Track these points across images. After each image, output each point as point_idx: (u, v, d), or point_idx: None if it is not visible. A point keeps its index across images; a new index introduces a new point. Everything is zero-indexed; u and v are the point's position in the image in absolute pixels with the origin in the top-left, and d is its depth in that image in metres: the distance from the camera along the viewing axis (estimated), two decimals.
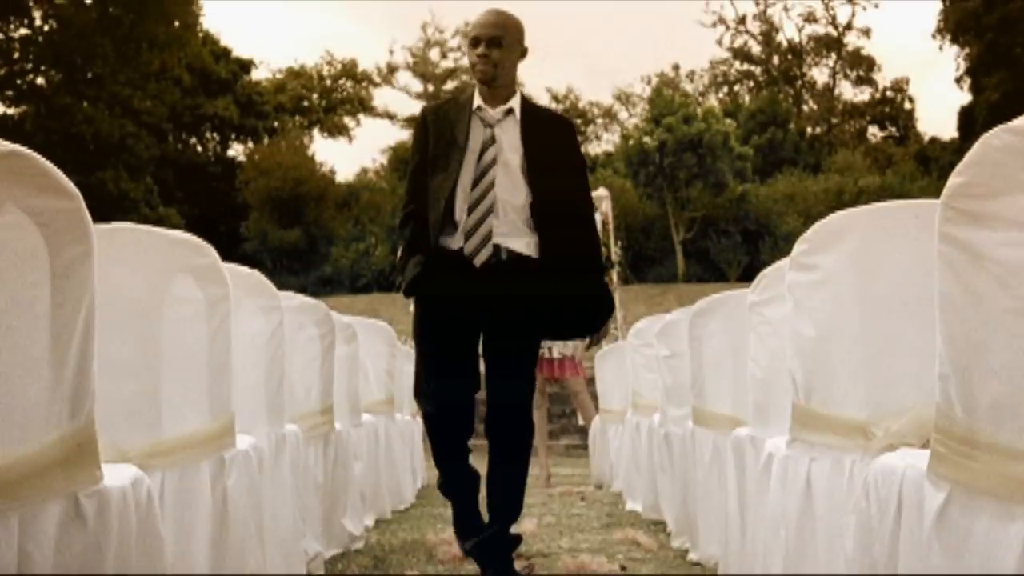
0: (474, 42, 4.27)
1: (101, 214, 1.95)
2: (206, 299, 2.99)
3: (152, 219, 35.27)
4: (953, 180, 1.82)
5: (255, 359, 3.80)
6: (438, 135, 4.35)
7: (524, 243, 4.26)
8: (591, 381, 10.25)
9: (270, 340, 3.86)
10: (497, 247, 4.22)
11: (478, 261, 4.19)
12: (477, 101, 4.35)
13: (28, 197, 1.81)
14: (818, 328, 2.91)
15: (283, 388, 3.98)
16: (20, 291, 1.80)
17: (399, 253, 4.51)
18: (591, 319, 4.48)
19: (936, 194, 1.88)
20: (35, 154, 1.84)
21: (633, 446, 7.36)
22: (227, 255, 3.30)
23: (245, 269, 3.84)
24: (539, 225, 4.26)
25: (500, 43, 4.24)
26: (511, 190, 4.24)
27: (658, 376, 5.82)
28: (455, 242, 4.24)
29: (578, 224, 4.35)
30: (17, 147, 1.81)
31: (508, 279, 4.21)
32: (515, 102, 4.37)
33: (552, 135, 4.38)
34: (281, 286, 4.26)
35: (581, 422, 11.53)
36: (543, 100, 56.66)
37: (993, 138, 1.76)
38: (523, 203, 4.25)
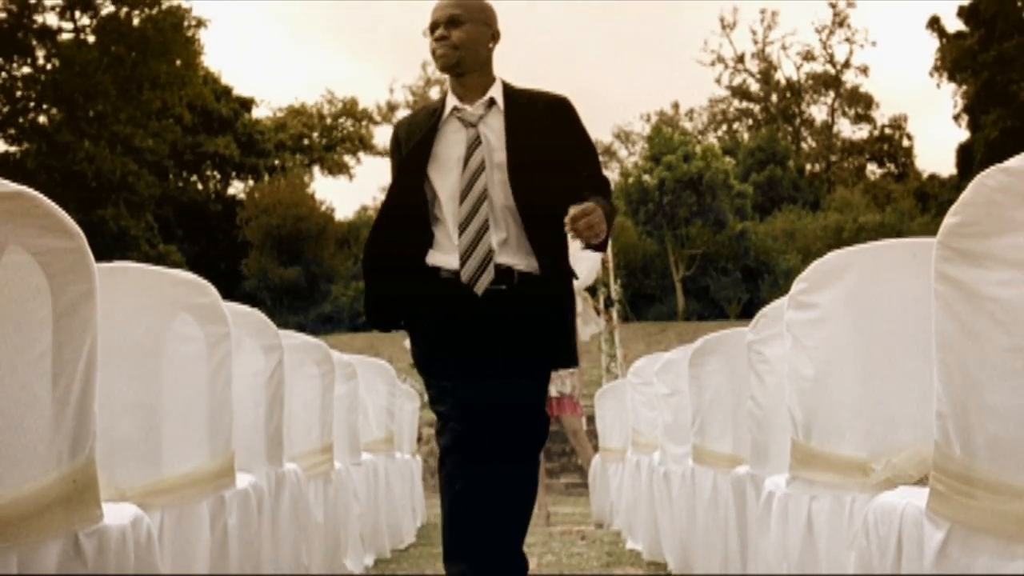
0: (432, 28, 3.70)
1: (101, 251, 1.97)
2: (207, 338, 3.00)
3: (152, 256, 35.34)
4: (948, 220, 1.83)
5: (255, 398, 3.81)
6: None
7: (523, 261, 3.63)
8: (591, 419, 10.23)
9: (270, 379, 3.86)
10: (501, 269, 3.56)
11: (480, 288, 3.54)
12: (452, 101, 3.72)
13: (32, 237, 1.83)
14: (816, 366, 2.92)
15: (283, 427, 3.98)
16: (23, 330, 1.81)
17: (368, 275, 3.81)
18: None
19: (935, 231, 1.89)
20: (39, 195, 1.86)
21: (633, 484, 7.33)
22: (227, 293, 3.31)
23: (246, 308, 3.85)
24: (534, 233, 3.61)
25: (458, 21, 3.63)
26: (506, 194, 3.61)
27: (658, 414, 5.81)
28: (451, 263, 3.59)
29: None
30: (22, 188, 1.83)
31: (518, 312, 3.58)
32: (496, 91, 3.72)
33: (544, 121, 3.69)
34: (281, 324, 4.26)
35: (580, 461, 11.50)
36: None
37: (987, 178, 1.78)
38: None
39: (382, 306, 3.79)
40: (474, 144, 3.60)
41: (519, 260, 3.61)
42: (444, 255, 3.62)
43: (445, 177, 3.63)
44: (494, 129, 3.65)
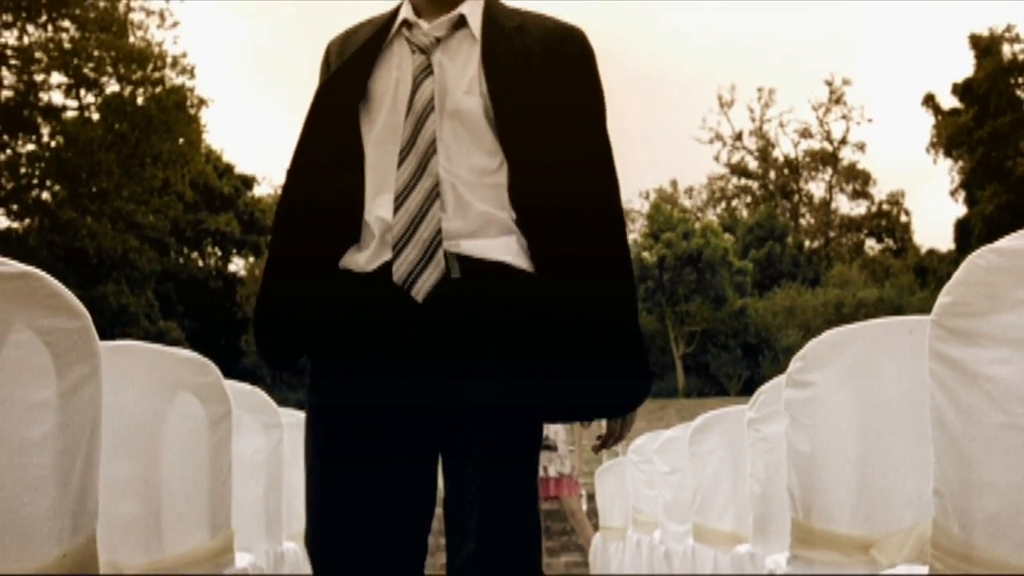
0: None
1: (102, 328, 1.99)
2: (208, 417, 3.01)
3: (152, 333, 35.32)
4: (942, 299, 1.86)
5: (255, 476, 3.80)
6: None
7: (501, 245, 2.18)
8: (591, 497, 10.17)
9: (270, 457, 3.86)
10: (452, 259, 2.13)
11: (419, 291, 2.10)
12: (405, 13, 2.33)
13: (38, 317, 1.85)
14: (815, 444, 2.92)
15: (282, 505, 3.98)
16: (28, 409, 1.82)
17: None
18: (623, 389, 2.28)
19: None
20: (45, 275, 1.88)
21: (634, 563, 7.27)
22: (227, 369, 3.33)
23: (247, 386, 3.86)
24: (525, 214, 2.21)
25: None
26: (469, 155, 2.21)
27: (658, 492, 5.80)
28: (373, 259, 2.17)
29: (596, 215, 2.24)
30: (28, 268, 1.86)
31: (479, 321, 2.13)
32: (472, 7, 2.32)
33: (542, 56, 2.29)
34: (280, 401, 4.27)
35: (580, 540, 11.42)
36: None
37: (979, 258, 1.80)
38: (494, 177, 2.22)
39: (275, 329, 2.28)
40: (422, 76, 2.23)
41: (490, 248, 2.18)
42: (367, 250, 2.20)
43: (379, 125, 2.25)
44: (458, 61, 2.28)
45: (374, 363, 2.14)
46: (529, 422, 2.19)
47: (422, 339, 2.11)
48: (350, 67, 2.29)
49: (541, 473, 8.42)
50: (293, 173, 2.27)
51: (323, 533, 2.13)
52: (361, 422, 2.12)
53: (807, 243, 53.04)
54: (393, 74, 2.26)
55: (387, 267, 2.12)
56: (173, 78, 37.07)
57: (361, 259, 2.18)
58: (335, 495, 2.11)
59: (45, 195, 38.30)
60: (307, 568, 4.51)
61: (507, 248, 2.17)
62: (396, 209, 2.13)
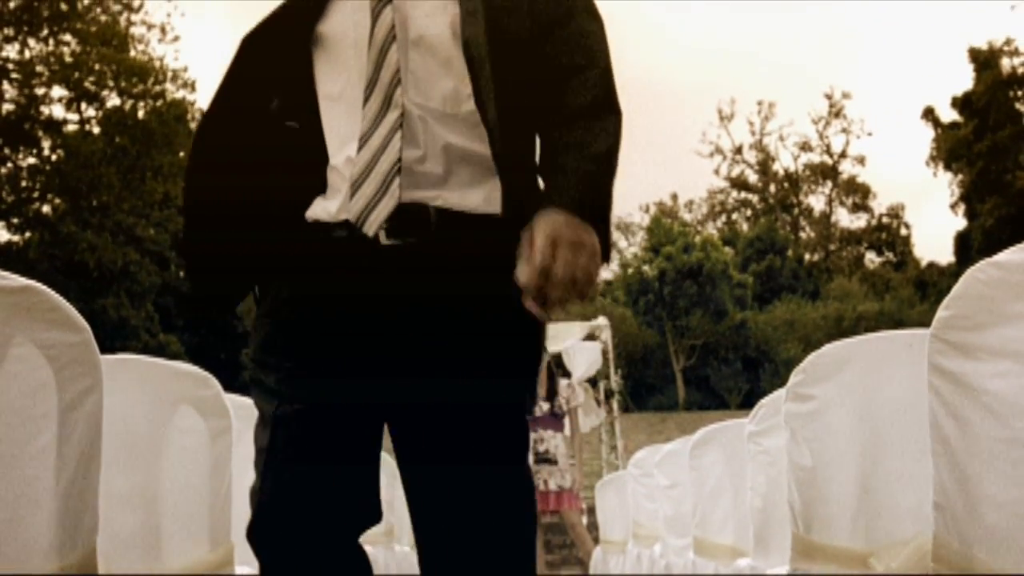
0: None
1: (102, 341, 1.99)
2: (208, 430, 3.01)
3: (152, 346, 35.30)
4: (941, 313, 1.86)
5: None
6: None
7: (481, 193, 1.94)
8: (591, 510, 10.16)
9: None
10: (413, 207, 1.89)
11: (371, 225, 1.88)
12: None
13: (39, 331, 1.85)
14: (815, 458, 2.92)
15: None
16: (28, 422, 1.83)
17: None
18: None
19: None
20: (46, 289, 1.89)
21: None
22: (227, 382, 3.33)
23: (247, 400, 3.85)
24: (509, 155, 1.93)
25: None
26: (438, 85, 1.95)
27: (658, 506, 5.79)
28: (328, 207, 1.97)
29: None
30: (29, 282, 1.86)
31: (446, 272, 1.88)
32: None
33: None
34: None
35: (580, 554, 11.41)
36: None
37: (978, 272, 1.81)
38: (468, 104, 1.95)
39: (209, 270, 2.11)
40: (379, 6, 1.97)
41: (467, 196, 1.93)
42: (335, 198, 1.96)
43: (342, 66, 1.99)
44: None
45: (334, 300, 1.91)
46: (508, 416, 1.97)
47: (380, 288, 1.88)
48: (295, 7, 2.04)
49: (541, 487, 8.40)
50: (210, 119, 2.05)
51: (272, 528, 1.85)
52: (319, 383, 1.89)
53: (807, 256, 53.07)
54: (349, 13, 2.00)
55: (344, 217, 1.93)
56: (174, 92, 37.19)
57: (333, 206, 1.96)
58: (291, 490, 1.86)
59: (46, 208, 38.34)
60: None
61: (484, 197, 1.93)
62: (360, 147, 1.91)
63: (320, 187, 1.99)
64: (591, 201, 1.83)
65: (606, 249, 1.83)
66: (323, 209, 1.97)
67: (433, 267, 1.87)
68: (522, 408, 2.00)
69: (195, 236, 2.10)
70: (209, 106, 2.05)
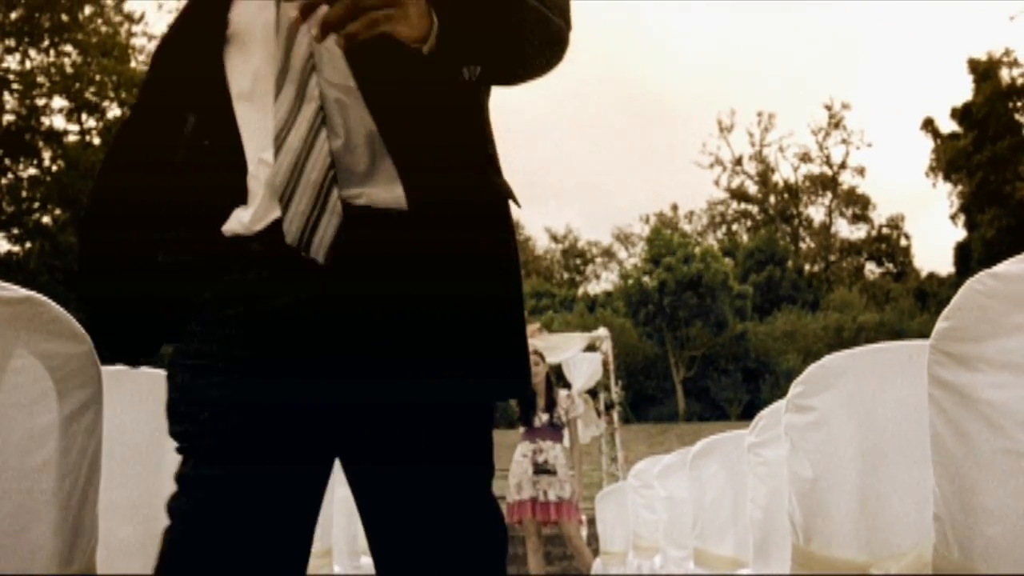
0: None
1: (102, 352, 1.99)
2: None
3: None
4: (940, 324, 1.86)
5: None
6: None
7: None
8: (591, 522, 10.15)
9: None
10: (352, 211, 1.63)
11: (318, 248, 1.61)
12: None
13: (39, 342, 1.86)
14: (815, 469, 2.92)
15: None
16: (29, 434, 1.83)
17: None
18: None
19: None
20: (47, 300, 1.89)
21: None
22: None
23: None
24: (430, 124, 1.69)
25: None
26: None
27: (659, 517, 5.79)
28: (243, 217, 1.70)
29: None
30: (30, 293, 1.86)
31: (400, 280, 1.64)
32: None
33: None
34: None
35: (580, 566, 11.39)
36: (542, 240, 57.30)
37: (977, 283, 1.81)
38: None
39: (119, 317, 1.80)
40: None
41: (379, 188, 1.65)
42: (252, 206, 1.70)
43: (248, 62, 1.72)
44: None
45: (264, 347, 1.63)
46: (465, 416, 1.71)
47: (330, 313, 1.62)
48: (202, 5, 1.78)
49: (541, 497, 8.40)
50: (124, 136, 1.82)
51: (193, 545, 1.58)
52: (254, 420, 1.61)
53: (807, 267, 53.12)
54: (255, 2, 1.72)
55: (278, 225, 1.63)
56: None
57: (246, 216, 1.68)
58: (217, 499, 1.59)
59: (46, 219, 38.38)
60: None
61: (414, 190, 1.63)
62: (277, 149, 1.63)
63: (242, 198, 1.72)
64: None
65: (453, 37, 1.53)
66: (238, 222, 1.69)
67: (355, 269, 1.61)
68: (481, 413, 1.74)
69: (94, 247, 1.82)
70: (128, 117, 1.86)
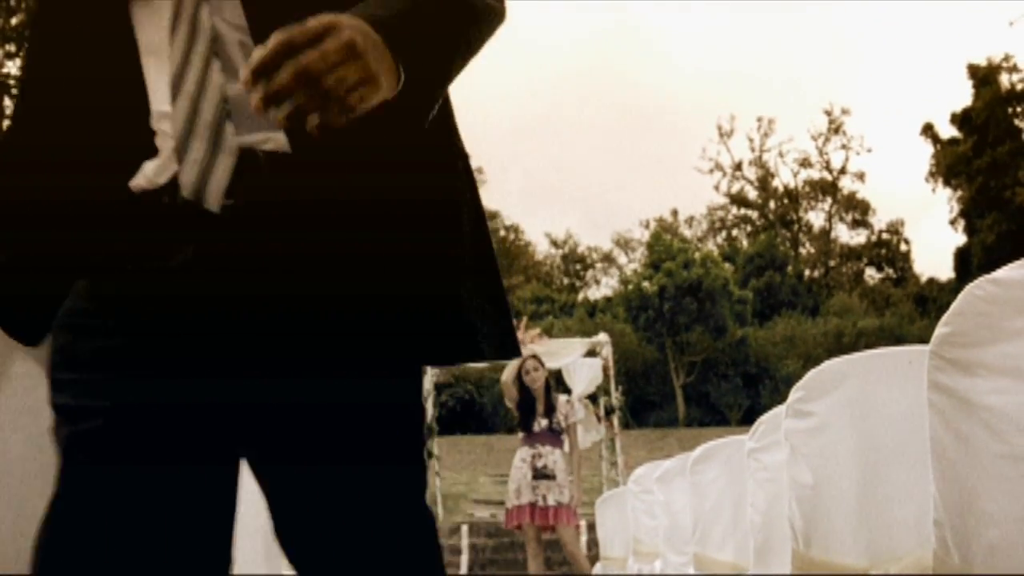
0: None
1: None
2: None
3: None
4: (940, 330, 1.87)
5: (255, 505, 3.80)
6: None
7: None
8: (591, 527, 10.14)
9: None
10: (247, 155, 1.43)
11: (211, 196, 1.42)
12: None
13: (41, 348, 1.86)
14: (815, 474, 2.92)
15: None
16: (30, 439, 1.83)
17: None
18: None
19: None
20: None
21: None
22: None
23: None
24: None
25: None
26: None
27: (658, 522, 5.78)
28: (147, 170, 1.49)
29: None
30: None
31: (284, 238, 1.43)
32: None
33: None
34: None
35: (576, 572, 11.38)
36: (542, 244, 57.29)
37: (976, 288, 1.81)
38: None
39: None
40: None
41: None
42: (157, 159, 1.49)
43: (150, 11, 1.52)
44: None
45: (160, 311, 1.44)
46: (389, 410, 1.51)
47: (215, 269, 1.42)
48: None
49: (540, 502, 8.39)
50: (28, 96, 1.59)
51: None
52: (145, 415, 1.43)
53: (807, 272, 53.11)
54: None
55: (169, 183, 1.46)
56: None
57: (150, 169, 1.48)
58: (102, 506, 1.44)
59: None
60: None
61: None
62: (174, 96, 1.45)
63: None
64: (402, 23, 1.35)
65: (418, 88, 1.37)
66: (143, 176, 1.48)
67: (269, 230, 1.42)
68: (406, 406, 1.54)
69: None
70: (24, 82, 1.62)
